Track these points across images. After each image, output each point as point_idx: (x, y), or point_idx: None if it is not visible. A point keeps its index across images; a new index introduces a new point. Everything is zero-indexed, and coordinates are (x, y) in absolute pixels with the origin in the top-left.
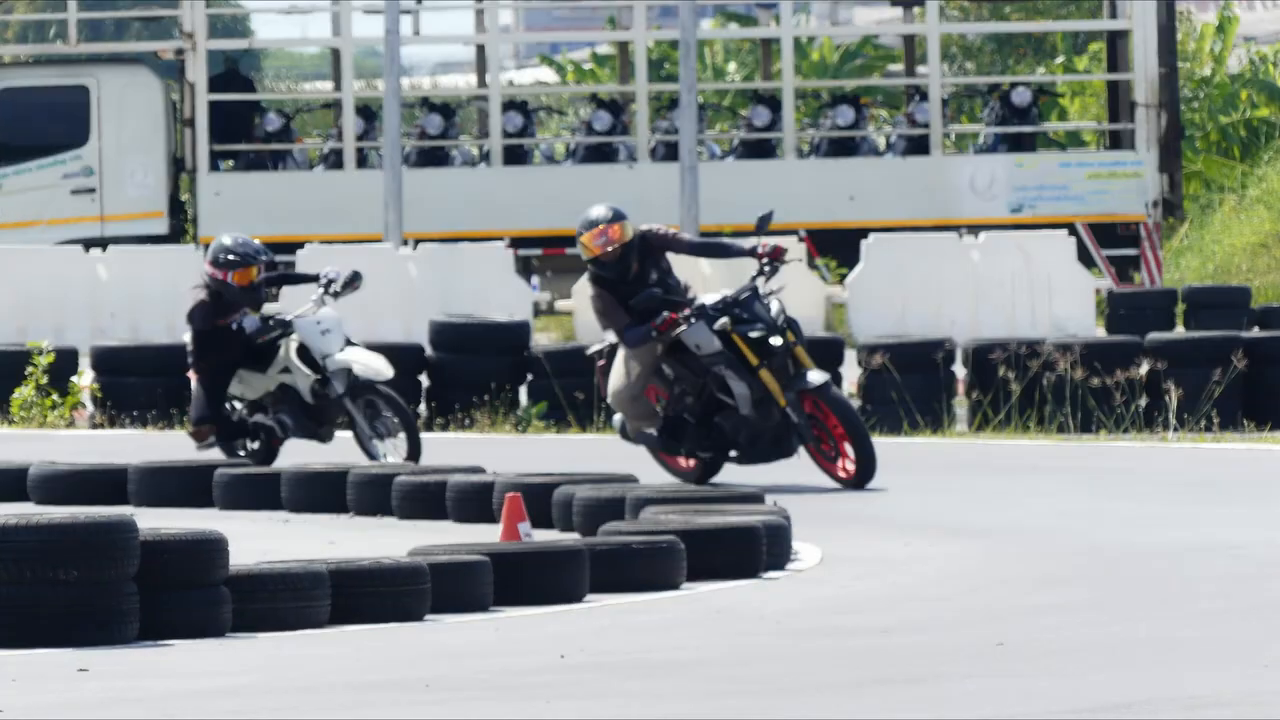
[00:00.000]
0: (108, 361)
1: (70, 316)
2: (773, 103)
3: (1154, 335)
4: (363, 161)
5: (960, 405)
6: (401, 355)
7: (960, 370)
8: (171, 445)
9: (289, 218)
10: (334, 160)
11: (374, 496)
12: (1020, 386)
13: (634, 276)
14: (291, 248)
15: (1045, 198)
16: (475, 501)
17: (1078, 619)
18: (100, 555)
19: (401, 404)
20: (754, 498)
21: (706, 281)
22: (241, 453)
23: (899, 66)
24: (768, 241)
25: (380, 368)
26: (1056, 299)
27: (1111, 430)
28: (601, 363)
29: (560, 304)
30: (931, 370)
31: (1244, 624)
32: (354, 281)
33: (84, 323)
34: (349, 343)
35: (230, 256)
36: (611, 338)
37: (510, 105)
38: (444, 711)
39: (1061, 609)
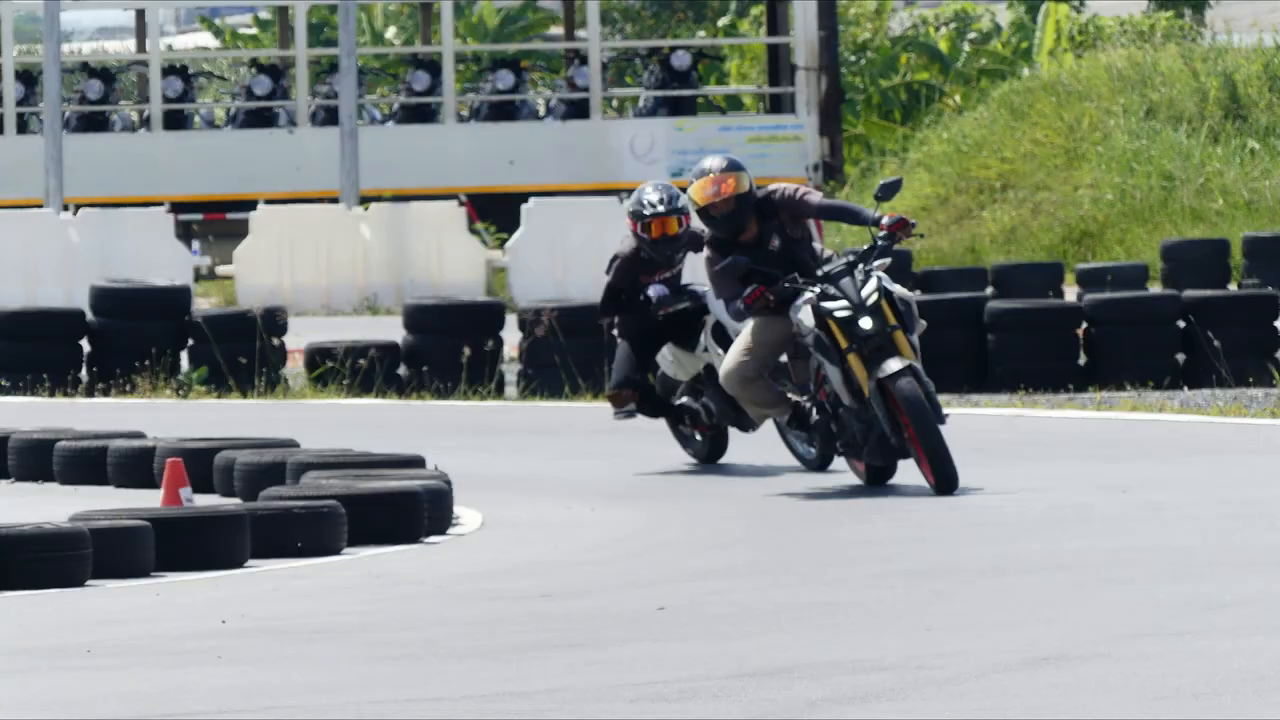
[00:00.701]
0: None
1: None
2: (433, 67)
3: None
4: (23, 127)
5: None
6: (62, 320)
7: None
8: None
9: None
10: None
11: (35, 462)
12: None
13: (752, 240)
14: None
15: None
16: (137, 467)
17: (739, 583)
18: None
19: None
20: (415, 462)
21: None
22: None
23: (559, 30)
24: (894, 213)
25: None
26: None
27: None
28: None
29: (221, 269)
30: (593, 334)
31: (904, 589)
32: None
33: None
34: None
35: (638, 207)
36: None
37: (170, 70)
38: (105, 676)
39: (722, 573)
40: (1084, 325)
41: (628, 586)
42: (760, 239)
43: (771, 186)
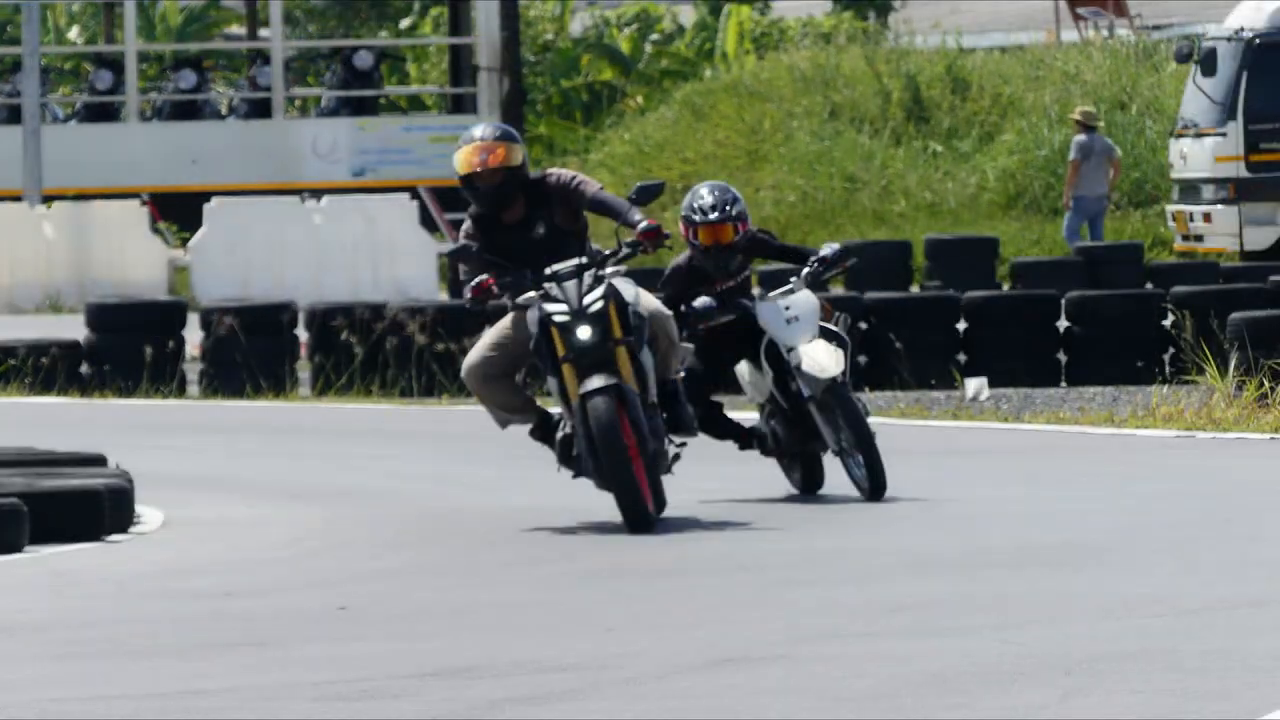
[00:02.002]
0: None
1: None
2: (115, 66)
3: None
4: None
5: (303, 369)
6: None
7: (303, 334)
8: None
9: None
10: None
11: None
12: (364, 350)
13: (516, 222)
14: None
15: (388, 161)
16: None
17: (420, 583)
18: None
19: (862, 418)
20: (97, 460)
21: None
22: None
23: (242, 29)
24: (653, 220)
25: (827, 364)
26: (399, 262)
27: (454, 395)
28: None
29: None
30: (275, 333)
31: (585, 589)
32: (843, 260)
33: None
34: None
35: (689, 211)
36: None
37: None
38: None
39: (404, 573)
40: None
41: (309, 586)
42: (526, 222)
43: (549, 170)
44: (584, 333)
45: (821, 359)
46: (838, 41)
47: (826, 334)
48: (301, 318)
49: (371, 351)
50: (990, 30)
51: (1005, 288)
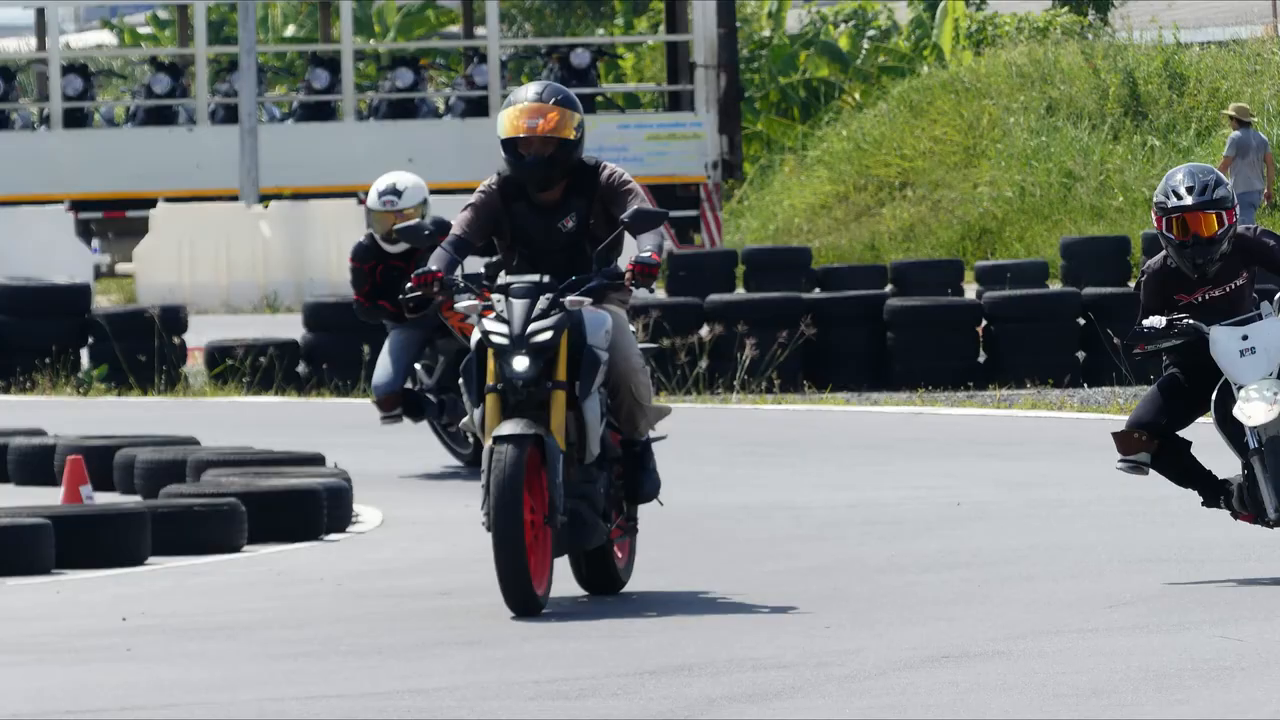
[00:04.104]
0: None
1: None
2: (332, 65)
3: (714, 297)
4: None
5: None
6: None
7: None
8: None
9: None
10: None
11: None
12: None
13: (548, 205)
14: None
15: (604, 159)
16: (37, 464)
17: (638, 580)
18: None
19: None
20: (315, 459)
21: None
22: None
23: (458, 28)
24: (656, 256)
25: (1254, 412)
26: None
27: (673, 392)
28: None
29: (121, 267)
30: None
31: (803, 586)
32: None
33: None
34: None
35: (1163, 197)
36: None
37: (70, 68)
38: (7, 674)
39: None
40: (984, 323)
41: None
42: (558, 208)
43: (607, 162)
44: (519, 364)
45: (1252, 404)
46: (1054, 36)
47: None
48: None
49: None
50: (1207, 25)
51: None
